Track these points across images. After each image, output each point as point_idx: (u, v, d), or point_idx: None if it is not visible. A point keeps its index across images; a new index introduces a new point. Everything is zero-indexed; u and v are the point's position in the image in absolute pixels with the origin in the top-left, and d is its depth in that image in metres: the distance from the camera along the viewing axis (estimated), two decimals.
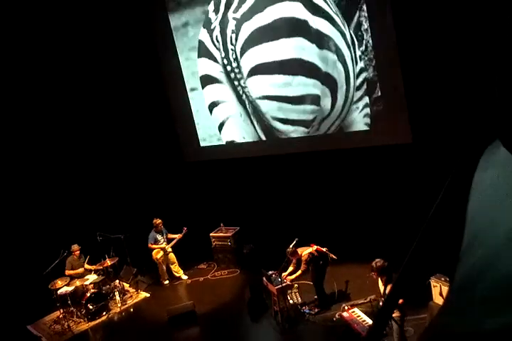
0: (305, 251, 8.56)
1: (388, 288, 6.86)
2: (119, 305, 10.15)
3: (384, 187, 10.18)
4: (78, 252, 10.37)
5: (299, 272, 8.64)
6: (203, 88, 12.35)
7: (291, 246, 8.63)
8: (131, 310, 10.16)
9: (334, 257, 8.50)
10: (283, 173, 11.68)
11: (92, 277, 10.25)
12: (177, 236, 10.94)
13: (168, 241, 10.97)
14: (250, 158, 11.94)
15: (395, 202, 9.96)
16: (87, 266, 10.47)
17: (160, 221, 10.88)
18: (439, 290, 7.25)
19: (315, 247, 8.56)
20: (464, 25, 7.89)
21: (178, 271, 11.15)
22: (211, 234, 11.39)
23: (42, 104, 11.98)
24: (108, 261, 10.29)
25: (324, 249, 8.55)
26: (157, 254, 10.85)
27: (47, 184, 12.09)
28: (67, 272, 10.20)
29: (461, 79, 8.08)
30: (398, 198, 9.94)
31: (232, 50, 11.39)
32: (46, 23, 11.58)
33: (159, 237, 10.89)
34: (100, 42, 12.19)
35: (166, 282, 11.04)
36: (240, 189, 12.28)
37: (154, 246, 10.83)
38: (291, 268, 8.78)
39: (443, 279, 7.21)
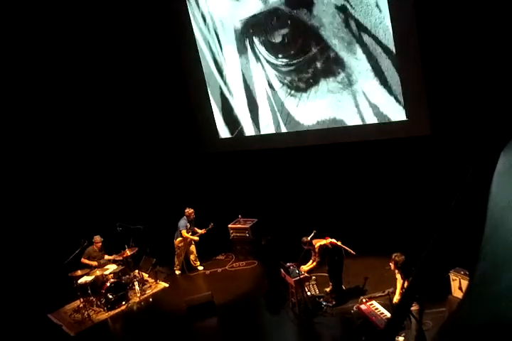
0: (318, 243, 8.54)
1: (406, 282, 6.85)
2: (139, 294, 10.24)
3: (402, 180, 10.11)
4: (100, 244, 10.37)
5: (314, 264, 8.64)
6: None
7: (309, 238, 8.63)
8: (150, 299, 10.25)
9: (352, 252, 8.44)
10: (301, 165, 11.65)
11: (112, 267, 10.34)
12: (202, 231, 10.96)
13: (193, 233, 10.99)
14: (269, 149, 11.94)
15: (414, 194, 9.89)
16: (106, 257, 10.55)
17: (192, 210, 10.89)
18: (458, 284, 7.21)
19: (329, 240, 8.53)
20: (485, 17, 7.78)
21: (195, 261, 11.20)
22: (229, 226, 11.42)
23: (69, 94, 12.14)
24: (128, 252, 10.38)
25: (339, 243, 8.51)
26: (180, 243, 10.90)
27: (70, 175, 12.23)
28: (82, 260, 10.25)
29: (481, 71, 7.98)
30: (417, 191, 9.87)
31: None
32: (60, 15, 11.69)
33: (189, 226, 10.91)
34: (120, 32, 12.23)
35: (178, 272, 11.09)
36: (259, 181, 12.28)
37: (188, 235, 10.75)
38: (310, 262, 8.79)
39: (462, 273, 7.16)
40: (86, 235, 10.38)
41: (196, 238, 10.87)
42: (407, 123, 9.94)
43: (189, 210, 10.87)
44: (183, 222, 10.82)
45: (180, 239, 10.85)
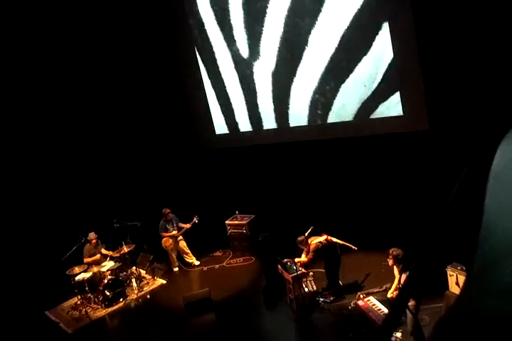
0: (314, 241, 8.54)
1: (404, 277, 6.86)
2: (136, 291, 10.25)
3: (400, 175, 10.11)
4: (95, 241, 10.44)
5: (305, 259, 8.61)
6: None
7: (306, 234, 8.62)
8: (148, 296, 10.25)
9: (353, 247, 8.44)
10: (298, 161, 11.64)
11: (109, 264, 10.35)
12: (186, 225, 11.03)
13: (179, 229, 11.05)
14: (266, 145, 11.93)
15: (412, 190, 9.90)
16: (104, 251, 10.58)
17: (169, 210, 10.96)
18: (455, 279, 7.22)
19: (325, 237, 8.53)
20: (483, 13, 7.77)
21: (190, 258, 11.23)
22: (226, 222, 11.43)
23: (66, 91, 12.11)
24: (125, 248, 10.38)
25: (334, 239, 8.51)
26: (166, 242, 10.96)
27: (67, 171, 12.21)
28: (85, 260, 10.30)
29: (479, 66, 7.97)
30: (415, 186, 9.87)
31: None
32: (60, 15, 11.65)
33: (169, 226, 10.98)
34: (118, 30, 12.19)
35: (176, 269, 11.15)
36: (256, 177, 12.27)
37: (165, 234, 10.92)
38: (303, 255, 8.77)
39: (459, 268, 7.16)
40: (83, 232, 10.39)
41: (175, 232, 10.95)
42: (405, 118, 9.93)
43: (165, 210, 10.97)
44: (161, 224, 10.99)
45: (164, 239, 10.97)
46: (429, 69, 9.15)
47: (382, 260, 8.53)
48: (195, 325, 8.95)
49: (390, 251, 7.03)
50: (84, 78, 12.26)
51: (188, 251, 11.19)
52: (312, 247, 8.49)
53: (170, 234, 10.93)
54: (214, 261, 11.31)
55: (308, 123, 11.28)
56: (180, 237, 11.06)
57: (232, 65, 11.96)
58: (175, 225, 11.04)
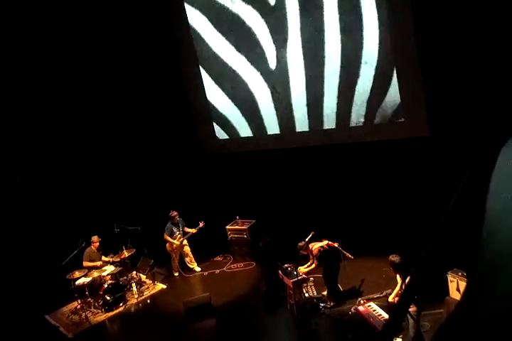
0: (315, 246, 8.54)
1: (405, 283, 6.85)
2: (136, 296, 10.23)
3: (401, 181, 10.11)
4: (97, 244, 10.40)
5: (313, 266, 8.63)
6: None
7: (306, 239, 8.62)
8: (148, 301, 10.23)
9: (350, 256, 8.43)
10: (299, 166, 11.64)
11: (110, 268, 10.33)
12: (192, 230, 11.00)
13: (184, 233, 11.03)
14: (267, 150, 11.93)
15: (412, 195, 9.89)
16: (104, 259, 10.56)
17: (176, 213, 10.91)
18: (456, 285, 7.20)
19: (326, 242, 8.52)
20: (484, 19, 7.79)
21: (191, 262, 11.21)
22: (227, 227, 11.42)
23: (67, 96, 12.14)
24: (125, 253, 10.37)
25: (336, 245, 8.50)
26: (170, 246, 10.92)
27: (67, 176, 12.21)
28: (85, 264, 10.28)
29: (479, 72, 7.98)
30: (415, 192, 9.87)
31: None
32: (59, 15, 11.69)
33: (175, 229, 10.94)
34: (118, 35, 12.22)
35: (176, 273, 11.13)
36: (256, 182, 12.27)
37: (169, 238, 10.89)
38: (309, 263, 8.78)
39: (460, 274, 7.15)
40: (84, 236, 10.37)
41: (177, 242, 10.90)
42: (405, 125, 9.94)
43: (172, 213, 10.91)
44: (167, 226, 10.94)
45: (168, 243, 10.91)
46: (430, 75, 9.17)
47: (382, 266, 8.53)
48: (196, 330, 8.93)
49: (390, 258, 7.02)
50: (84, 81, 12.29)
51: (191, 256, 11.17)
52: (315, 253, 8.49)
53: (173, 241, 10.89)
54: (214, 266, 11.30)
55: (310, 129, 11.29)
56: (185, 242, 11.04)
57: (233, 69, 11.97)
58: (181, 229, 11.00)
